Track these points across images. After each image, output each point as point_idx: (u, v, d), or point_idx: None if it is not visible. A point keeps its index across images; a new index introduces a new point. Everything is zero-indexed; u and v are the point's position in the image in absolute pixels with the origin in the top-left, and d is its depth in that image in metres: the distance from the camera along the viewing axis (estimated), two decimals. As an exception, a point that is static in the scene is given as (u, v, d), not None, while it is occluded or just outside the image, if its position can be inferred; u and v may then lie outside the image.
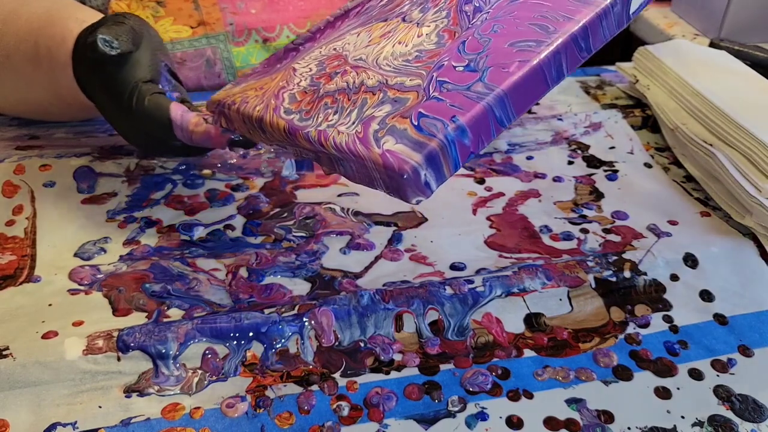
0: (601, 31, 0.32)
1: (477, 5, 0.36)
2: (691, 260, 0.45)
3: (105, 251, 0.43)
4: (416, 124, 0.29)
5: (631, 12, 0.33)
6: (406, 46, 0.35)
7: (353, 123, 0.32)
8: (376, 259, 0.44)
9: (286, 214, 0.47)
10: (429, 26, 0.36)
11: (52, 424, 0.34)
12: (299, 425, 0.35)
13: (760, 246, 0.46)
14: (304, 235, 0.46)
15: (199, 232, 0.45)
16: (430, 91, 0.31)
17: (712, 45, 0.75)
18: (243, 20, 0.53)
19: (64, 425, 0.34)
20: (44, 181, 0.48)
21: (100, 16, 0.45)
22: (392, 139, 0.29)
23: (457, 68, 0.31)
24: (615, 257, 0.45)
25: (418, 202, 0.29)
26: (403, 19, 0.38)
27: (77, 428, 0.34)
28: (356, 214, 0.48)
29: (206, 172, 0.51)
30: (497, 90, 0.29)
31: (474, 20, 0.35)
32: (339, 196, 0.49)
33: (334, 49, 0.38)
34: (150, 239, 0.44)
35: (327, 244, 0.45)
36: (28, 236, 0.44)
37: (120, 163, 0.50)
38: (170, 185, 0.49)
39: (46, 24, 0.44)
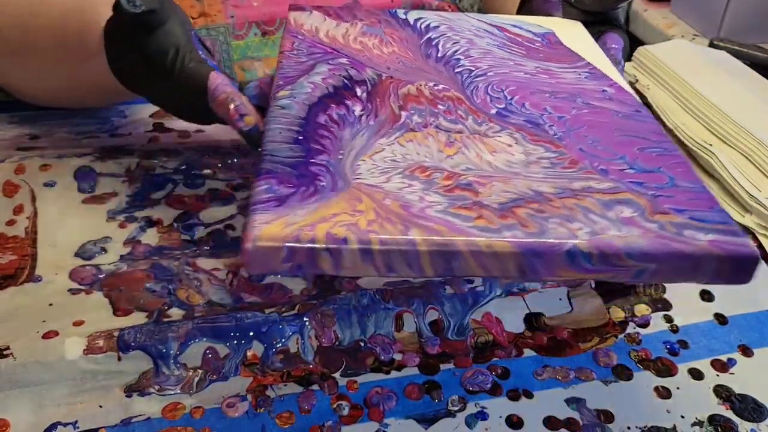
0: None
1: (503, 113, 0.38)
2: (690, 260, 0.45)
3: (105, 251, 0.43)
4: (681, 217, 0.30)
5: None
6: (512, 155, 0.34)
7: (623, 225, 0.30)
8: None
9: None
10: (502, 138, 0.36)
11: (52, 424, 0.34)
12: (300, 425, 0.35)
13: (759, 246, 0.46)
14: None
15: (200, 232, 0.45)
16: (650, 193, 0.32)
17: (711, 45, 0.75)
18: (244, 13, 0.52)
19: (65, 425, 0.34)
20: (45, 180, 0.48)
21: None
22: (697, 232, 0.30)
23: (625, 171, 0.34)
24: (615, 257, 0.45)
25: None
26: (438, 128, 0.36)
27: (78, 428, 0.34)
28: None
29: (207, 172, 0.51)
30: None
31: (551, 134, 0.36)
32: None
33: (410, 158, 0.33)
34: (150, 239, 0.44)
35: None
36: (28, 236, 0.44)
37: (120, 162, 0.50)
38: (171, 185, 0.49)
39: (76, 10, 0.45)
